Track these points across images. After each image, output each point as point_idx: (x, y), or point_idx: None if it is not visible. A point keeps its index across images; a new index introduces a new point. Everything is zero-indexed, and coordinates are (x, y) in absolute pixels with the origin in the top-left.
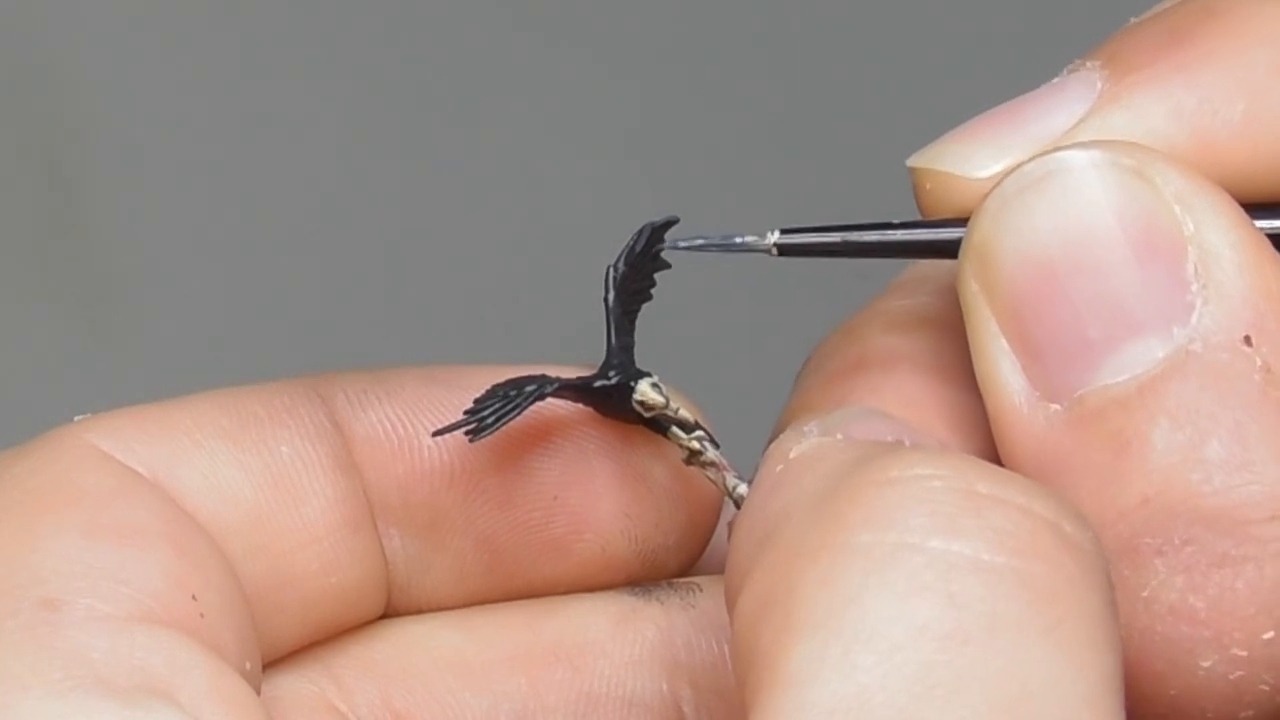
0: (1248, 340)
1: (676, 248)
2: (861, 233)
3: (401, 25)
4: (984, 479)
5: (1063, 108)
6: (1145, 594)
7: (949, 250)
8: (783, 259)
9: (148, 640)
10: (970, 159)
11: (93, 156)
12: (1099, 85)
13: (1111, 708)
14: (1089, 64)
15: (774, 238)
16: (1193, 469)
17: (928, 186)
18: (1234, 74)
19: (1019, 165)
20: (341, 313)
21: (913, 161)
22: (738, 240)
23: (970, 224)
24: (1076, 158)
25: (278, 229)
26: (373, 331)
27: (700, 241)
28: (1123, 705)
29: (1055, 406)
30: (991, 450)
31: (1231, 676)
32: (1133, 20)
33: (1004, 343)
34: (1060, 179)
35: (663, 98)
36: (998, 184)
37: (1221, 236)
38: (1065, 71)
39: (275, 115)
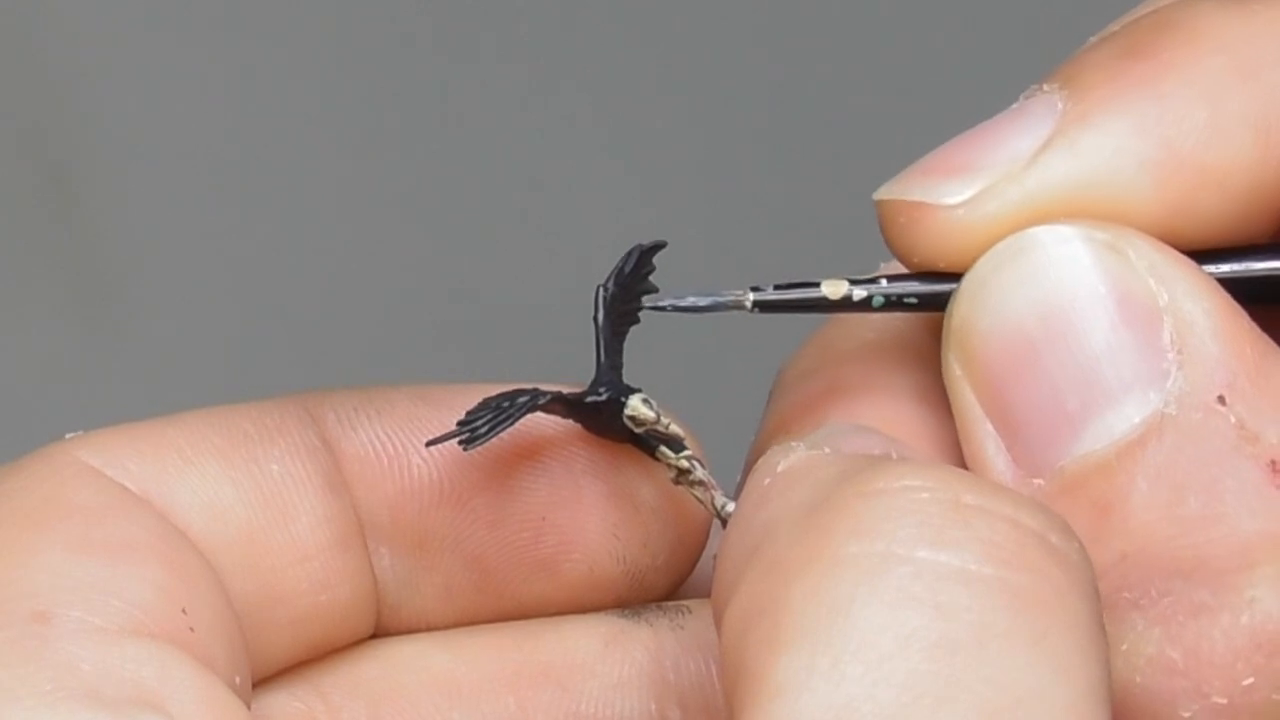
0: (1221, 400)
1: (653, 309)
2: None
3: (404, 40)
4: (971, 490)
5: (1027, 130)
6: (1124, 647)
7: (936, 303)
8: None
9: (138, 652)
10: (939, 187)
11: (92, 158)
12: (1060, 106)
13: (1098, 717)
14: (1045, 87)
15: (751, 297)
16: (1170, 525)
17: (900, 220)
18: (1194, 82)
19: (989, 190)
20: (335, 318)
21: (880, 194)
22: (705, 303)
23: (949, 307)
24: (1049, 233)
25: (276, 234)
26: (364, 342)
27: (668, 303)
28: (1110, 714)
29: (1039, 481)
30: None
31: None
32: (1090, 41)
33: (989, 425)
34: (1034, 255)
35: (653, 119)
36: (973, 267)
37: (1195, 304)
38: (1022, 97)
39: (276, 118)
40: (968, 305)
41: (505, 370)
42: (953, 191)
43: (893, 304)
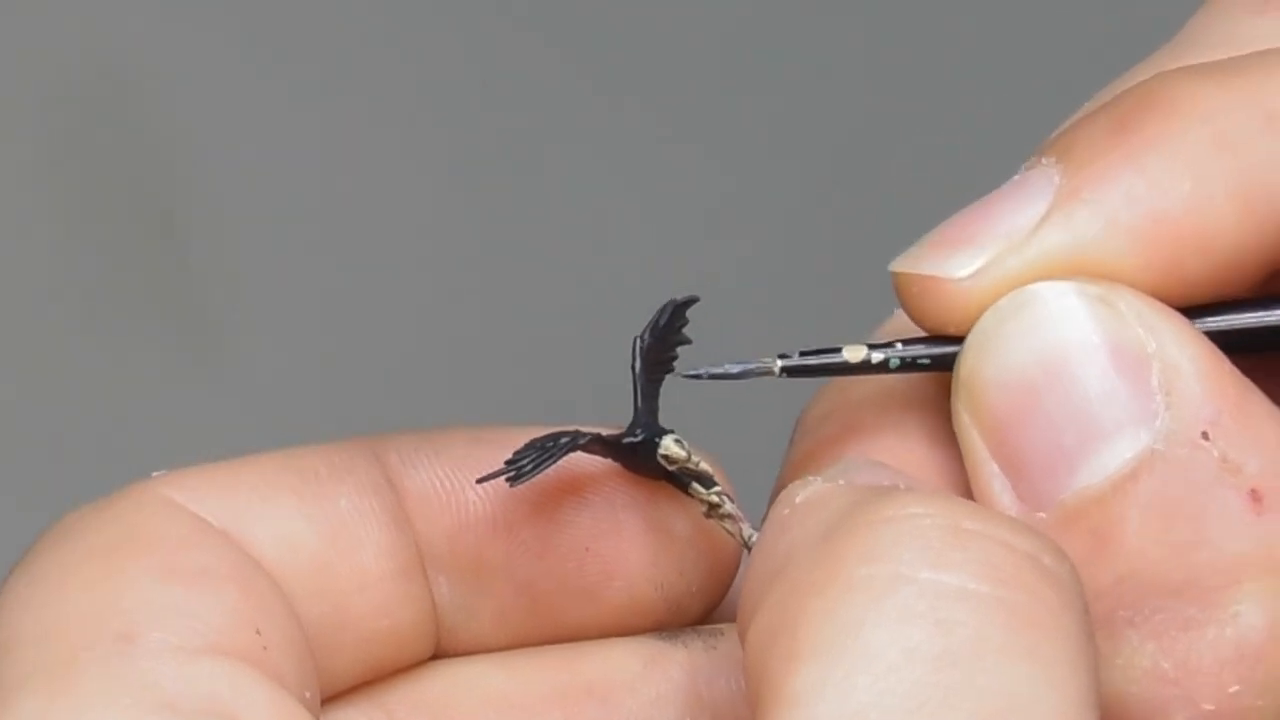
0: (1205, 436)
1: (690, 377)
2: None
3: (494, 96)
4: (969, 516)
5: (1027, 204)
6: (1120, 661)
7: (946, 364)
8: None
9: (214, 669)
10: (949, 261)
11: (196, 200)
12: (1056, 180)
13: None
14: (1044, 160)
15: (779, 364)
16: (1161, 549)
17: (914, 291)
18: (1177, 155)
19: (993, 262)
20: (405, 361)
21: (895, 267)
22: (737, 370)
23: (956, 361)
24: (1048, 289)
25: (358, 282)
26: (431, 382)
27: (704, 372)
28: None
29: (1041, 515)
30: None
31: None
32: (1082, 110)
33: (994, 466)
34: (1033, 309)
35: (696, 182)
36: (978, 321)
37: (1180, 351)
38: (1023, 168)
39: (373, 168)
40: (974, 357)
41: (553, 412)
42: (961, 265)
43: (907, 365)
